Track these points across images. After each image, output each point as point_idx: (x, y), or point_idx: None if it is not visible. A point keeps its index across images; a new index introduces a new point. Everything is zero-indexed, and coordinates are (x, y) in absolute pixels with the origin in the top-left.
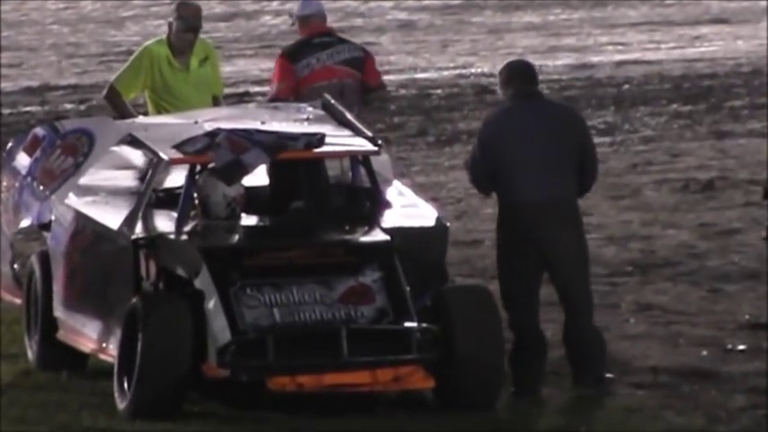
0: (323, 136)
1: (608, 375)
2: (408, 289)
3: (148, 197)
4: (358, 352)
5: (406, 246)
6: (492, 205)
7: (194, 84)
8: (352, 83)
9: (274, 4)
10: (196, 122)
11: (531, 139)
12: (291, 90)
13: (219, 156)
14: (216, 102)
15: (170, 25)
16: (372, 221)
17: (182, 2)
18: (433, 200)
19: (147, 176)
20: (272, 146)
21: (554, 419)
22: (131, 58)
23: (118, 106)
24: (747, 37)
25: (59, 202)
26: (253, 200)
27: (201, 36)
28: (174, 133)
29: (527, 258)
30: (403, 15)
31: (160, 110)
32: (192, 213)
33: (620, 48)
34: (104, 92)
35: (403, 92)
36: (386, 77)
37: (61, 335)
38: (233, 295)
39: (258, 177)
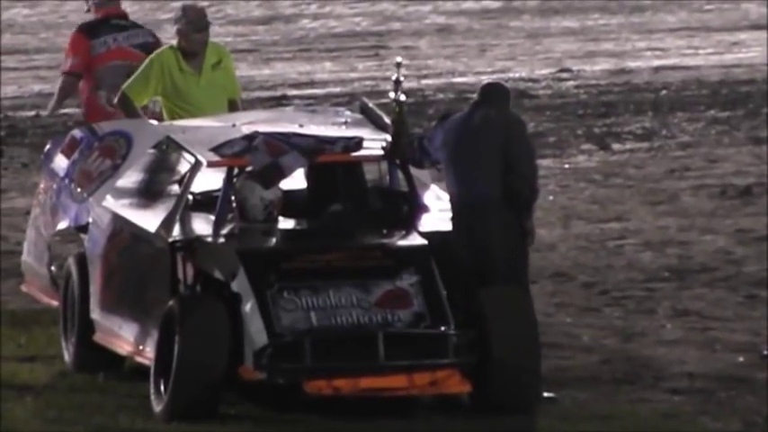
0: (361, 140)
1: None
2: (445, 293)
3: (186, 200)
4: (395, 356)
5: (444, 250)
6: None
7: (207, 87)
8: None
9: (313, 7)
10: (234, 125)
11: (461, 141)
12: (84, 65)
13: (257, 159)
14: (233, 106)
15: (179, 30)
16: (410, 225)
17: (186, 5)
18: None
19: (185, 179)
20: (310, 149)
21: (590, 424)
22: (142, 64)
23: (130, 113)
24: None
25: (97, 204)
26: (290, 203)
27: (240, 38)
28: (211, 136)
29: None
30: (441, 19)
31: (174, 115)
32: (230, 216)
33: (658, 53)
34: (116, 98)
35: (441, 96)
36: (424, 81)
37: (98, 337)
38: (270, 298)
39: (296, 181)
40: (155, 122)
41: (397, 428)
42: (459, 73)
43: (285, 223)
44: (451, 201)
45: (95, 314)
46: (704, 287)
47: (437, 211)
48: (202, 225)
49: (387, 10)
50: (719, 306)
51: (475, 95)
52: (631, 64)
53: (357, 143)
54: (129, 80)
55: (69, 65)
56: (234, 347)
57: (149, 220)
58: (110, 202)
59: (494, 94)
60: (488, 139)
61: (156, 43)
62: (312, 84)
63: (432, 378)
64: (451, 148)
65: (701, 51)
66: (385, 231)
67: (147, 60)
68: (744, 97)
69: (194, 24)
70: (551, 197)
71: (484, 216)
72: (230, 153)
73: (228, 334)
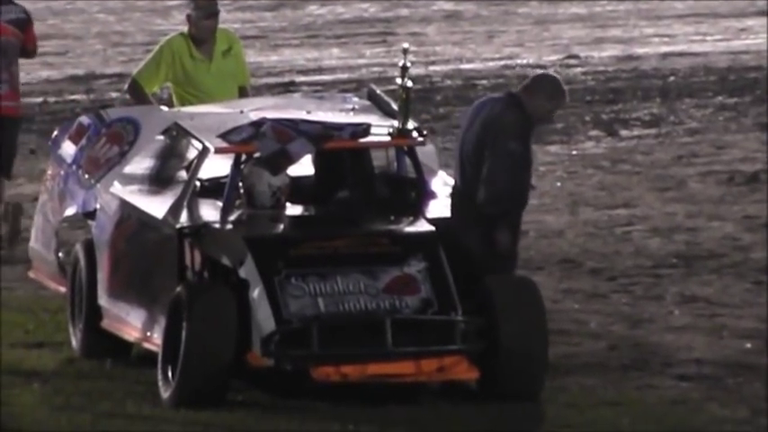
0: (368, 126)
1: None
2: (452, 279)
3: (193, 186)
4: (402, 342)
5: (451, 236)
6: (536, 196)
7: (217, 74)
8: (14, 42)
9: None
10: (242, 112)
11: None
12: None
13: (265, 145)
14: (243, 92)
15: (188, 17)
16: (417, 212)
17: None
18: None
19: (193, 165)
20: (318, 135)
21: (598, 411)
22: (153, 51)
23: (140, 99)
24: None
25: (104, 190)
26: (298, 189)
27: (248, 25)
28: (219, 122)
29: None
30: (449, 6)
31: (184, 102)
32: (237, 203)
33: (665, 39)
34: (126, 85)
35: (448, 82)
36: (431, 68)
37: (105, 323)
38: (278, 284)
39: (303, 167)
40: (164, 108)
41: (404, 415)
42: (466, 59)
43: (293, 210)
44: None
45: (103, 300)
46: (712, 273)
47: (445, 198)
48: (210, 211)
49: None
50: (727, 292)
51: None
52: (639, 50)
53: (365, 129)
54: (140, 66)
55: None
56: (241, 334)
57: (157, 206)
58: (117, 188)
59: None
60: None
61: (28, 20)
62: (320, 70)
63: (439, 364)
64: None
65: (708, 38)
66: (393, 218)
67: (157, 47)
68: (751, 83)
69: (203, 11)
70: (559, 183)
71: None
72: (238, 140)
73: (236, 320)
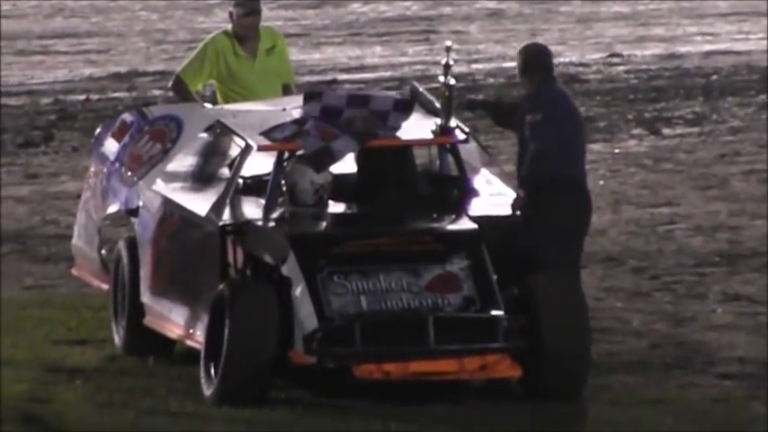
0: (410, 100)
1: None
2: (495, 277)
3: (236, 184)
4: (445, 340)
5: (494, 234)
6: None
7: (261, 72)
8: None
9: None
10: (284, 110)
11: (578, 117)
12: None
13: (308, 143)
14: (287, 90)
15: (231, 14)
16: (460, 210)
17: None
18: None
19: (236, 163)
20: (362, 134)
21: (640, 409)
22: (197, 49)
23: (184, 97)
24: None
25: (147, 187)
26: (340, 187)
27: (290, 23)
28: (262, 120)
29: (584, 228)
30: (491, 4)
31: (228, 99)
32: (280, 200)
33: (708, 38)
34: (170, 82)
35: (491, 80)
36: (474, 66)
37: (148, 320)
38: (320, 282)
39: (346, 165)
40: (207, 106)
41: (446, 414)
42: (509, 57)
43: (335, 207)
44: (556, 178)
45: (145, 298)
46: (754, 272)
47: (487, 196)
48: (252, 209)
49: None
50: None
51: (537, 66)
52: (682, 49)
53: (407, 103)
54: (184, 64)
55: None
56: (284, 332)
57: (200, 204)
58: (160, 185)
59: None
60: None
61: None
62: (362, 68)
63: (482, 362)
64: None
65: (751, 36)
66: (435, 215)
67: (201, 44)
68: None
69: (244, 8)
70: (602, 182)
71: (587, 193)
72: (281, 137)
73: (278, 318)
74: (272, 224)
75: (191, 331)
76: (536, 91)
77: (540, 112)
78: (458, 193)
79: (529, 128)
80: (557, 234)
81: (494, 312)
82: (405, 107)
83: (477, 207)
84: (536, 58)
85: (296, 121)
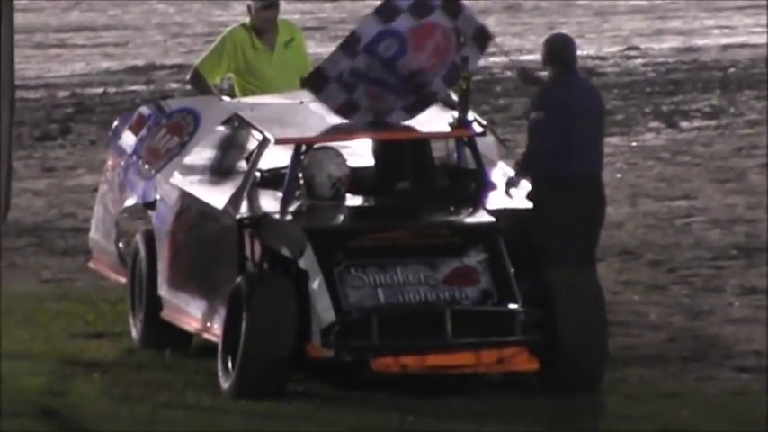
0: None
1: None
2: (513, 270)
3: (253, 177)
4: (462, 333)
5: (511, 227)
6: None
7: (279, 65)
8: None
9: None
10: (302, 103)
11: (590, 114)
12: None
13: (361, 116)
14: None
15: (249, 7)
16: (477, 203)
17: None
18: None
19: (253, 156)
20: (412, 105)
21: (657, 402)
22: (215, 42)
23: (202, 90)
24: None
25: (164, 181)
26: (358, 180)
27: (308, 16)
28: (279, 113)
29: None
30: None
31: (246, 92)
32: (297, 194)
33: (725, 31)
34: (188, 75)
35: (508, 74)
36: (491, 59)
37: (165, 314)
38: (337, 275)
39: (363, 158)
40: (225, 99)
41: (463, 406)
42: (527, 51)
43: (352, 201)
44: (564, 174)
45: (163, 291)
46: None
47: (504, 189)
48: (270, 202)
49: None
50: None
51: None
52: (699, 42)
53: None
54: (202, 57)
55: None
56: (301, 325)
57: (217, 197)
58: (177, 179)
59: (570, 51)
60: (598, 109)
61: None
62: None
63: (499, 356)
64: (576, 119)
65: None
66: (452, 209)
67: (219, 38)
68: None
69: (263, 1)
70: (619, 175)
71: (599, 190)
72: (331, 102)
73: (296, 311)
74: (289, 217)
75: (208, 324)
76: (545, 88)
77: (543, 110)
78: (475, 186)
79: (531, 125)
80: (567, 231)
81: (511, 306)
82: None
83: (495, 200)
84: (556, 51)
85: (345, 86)
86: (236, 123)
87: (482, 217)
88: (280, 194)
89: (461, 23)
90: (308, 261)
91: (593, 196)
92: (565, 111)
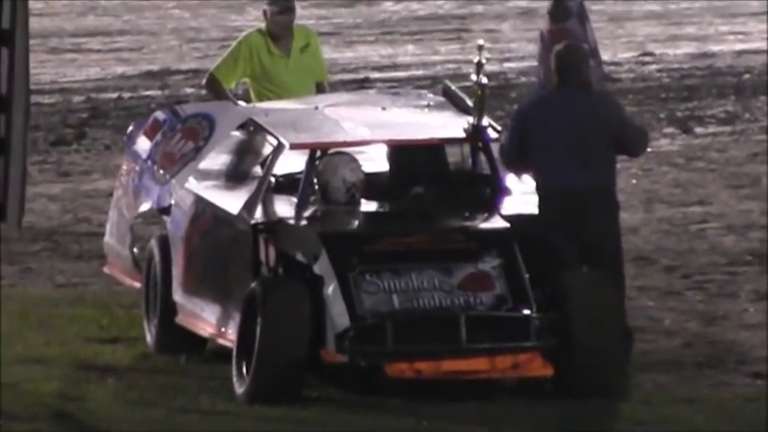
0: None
1: None
2: (527, 276)
3: (268, 182)
4: (476, 339)
5: (526, 233)
6: None
7: (295, 70)
8: None
9: None
10: (316, 108)
11: (572, 128)
12: None
13: None
14: (320, 88)
15: (264, 12)
16: (492, 208)
17: None
18: None
19: (268, 161)
20: None
21: (672, 408)
22: (230, 47)
23: (218, 94)
24: None
25: (179, 186)
26: (372, 185)
27: (323, 21)
28: (294, 119)
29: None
30: (523, 2)
31: (262, 97)
32: (312, 199)
33: (740, 37)
34: (204, 80)
35: (523, 79)
36: (506, 65)
37: (180, 319)
38: (352, 281)
39: (378, 163)
40: (240, 104)
41: (477, 412)
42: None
43: (367, 206)
44: (558, 189)
45: (177, 296)
46: None
47: (519, 194)
48: (285, 207)
49: None
50: None
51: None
52: (714, 48)
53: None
54: (218, 62)
55: None
56: (316, 330)
57: (232, 202)
58: (192, 184)
59: (566, 65)
60: (597, 123)
61: None
62: (395, 67)
63: (514, 361)
64: (554, 134)
65: None
66: (467, 214)
67: (235, 42)
68: None
69: (278, 6)
70: (634, 181)
71: (598, 203)
72: None
73: (310, 317)
74: (304, 222)
75: (223, 329)
76: (530, 102)
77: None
78: (490, 191)
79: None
80: (552, 245)
81: (526, 311)
82: None
83: (510, 206)
84: (557, 63)
85: None
86: (251, 128)
87: (497, 222)
88: (294, 199)
89: None
90: (322, 266)
91: (572, 212)
92: (522, 123)
